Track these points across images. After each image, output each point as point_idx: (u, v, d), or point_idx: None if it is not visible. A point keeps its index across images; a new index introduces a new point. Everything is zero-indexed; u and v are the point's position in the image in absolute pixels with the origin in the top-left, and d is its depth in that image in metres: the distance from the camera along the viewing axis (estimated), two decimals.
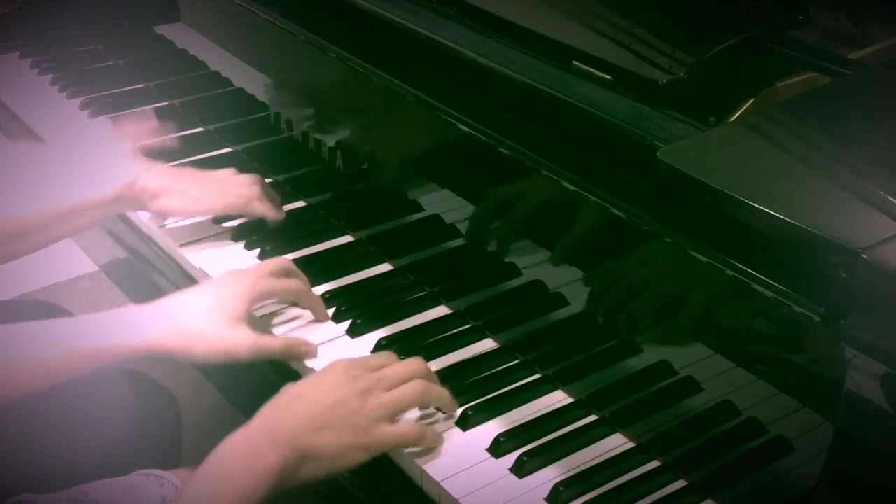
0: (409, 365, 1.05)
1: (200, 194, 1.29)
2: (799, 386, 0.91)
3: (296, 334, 1.17)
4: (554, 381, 1.10)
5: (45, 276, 2.47)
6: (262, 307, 1.19)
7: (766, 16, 1.07)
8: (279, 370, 1.16)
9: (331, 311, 1.20)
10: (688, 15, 1.09)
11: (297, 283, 1.18)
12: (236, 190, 1.32)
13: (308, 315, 1.20)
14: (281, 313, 1.20)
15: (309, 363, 1.13)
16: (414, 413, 1.05)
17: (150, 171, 1.28)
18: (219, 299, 1.11)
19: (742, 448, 0.97)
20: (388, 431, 0.99)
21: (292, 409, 0.97)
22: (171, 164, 1.47)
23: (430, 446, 1.02)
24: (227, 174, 1.34)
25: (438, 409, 1.06)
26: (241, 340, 1.09)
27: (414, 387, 1.02)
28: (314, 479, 0.96)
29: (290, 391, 1.00)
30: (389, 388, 1.01)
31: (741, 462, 0.97)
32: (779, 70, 1.03)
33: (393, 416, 1.00)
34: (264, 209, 1.32)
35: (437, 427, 1.04)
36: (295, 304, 1.20)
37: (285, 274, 1.18)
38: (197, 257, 1.30)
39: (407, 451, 1.02)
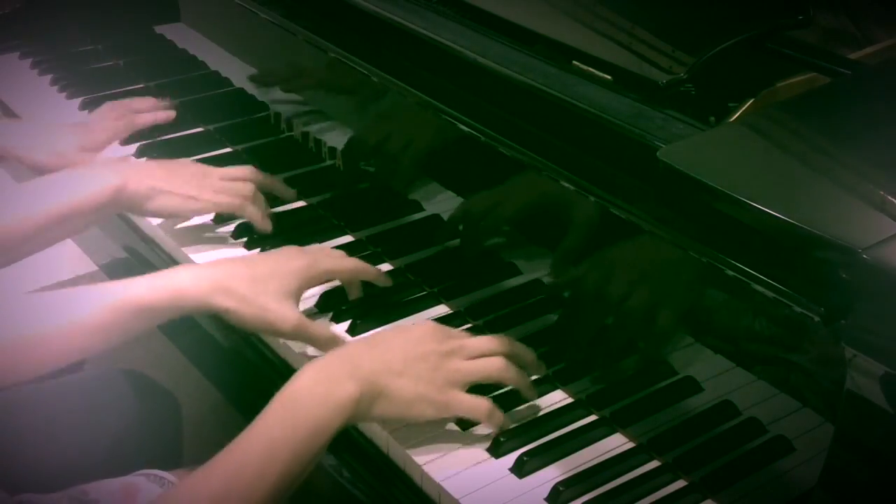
0: (495, 341, 1.06)
1: (193, 193, 1.28)
2: (799, 386, 0.91)
3: None
4: (554, 381, 1.10)
5: (45, 276, 2.46)
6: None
7: (766, 16, 1.07)
8: (281, 372, 1.16)
9: (331, 311, 1.20)
10: (688, 15, 1.09)
11: (350, 262, 1.18)
12: (231, 188, 1.30)
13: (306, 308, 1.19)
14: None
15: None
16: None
17: (139, 173, 1.26)
18: (275, 270, 1.12)
19: (742, 448, 0.97)
20: (461, 398, 1.01)
21: (376, 350, 1.00)
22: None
23: (496, 425, 1.03)
24: (222, 170, 1.33)
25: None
26: (287, 315, 1.10)
27: (495, 363, 1.04)
28: (385, 418, 1.00)
29: (375, 337, 1.04)
30: (470, 358, 1.03)
31: (741, 462, 0.97)
32: (779, 70, 1.03)
33: (468, 384, 1.02)
34: (255, 215, 1.30)
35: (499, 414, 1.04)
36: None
37: (340, 257, 1.19)
38: (197, 257, 1.30)
39: (406, 447, 1.02)
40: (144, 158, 1.50)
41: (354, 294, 1.21)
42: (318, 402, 0.94)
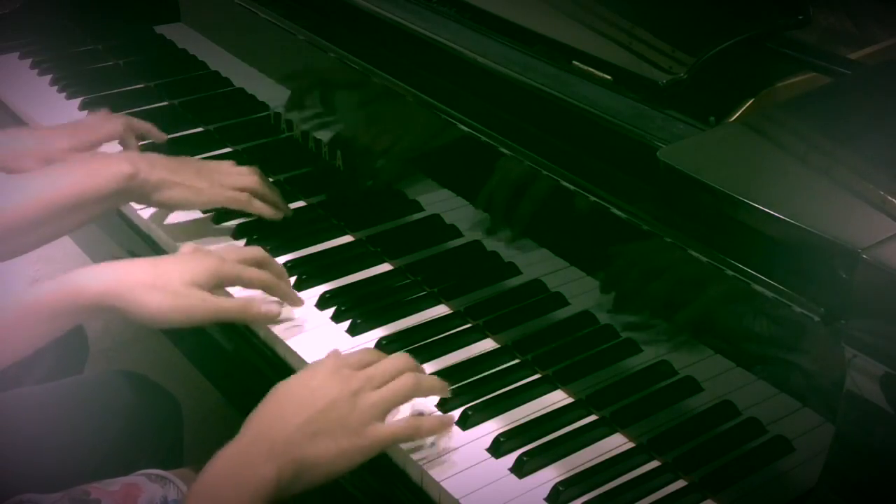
0: (396, 361, 1.03)
1: (202, 185, 1.28)
2: (799, 386, 0.91)
3: (296, 326, 1.17)
4: (554, 381, 1.10)
5: (45, 276, 2.47)
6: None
7: (766, 16, 1.07)
8: (277, 370, 1.16)
9: (331, 311, 1.20)
10: (688, 15, 1.09)
11: (265, 274, 1.16)
12: (238, 182, 1.30)
13: (306, 308, 1.20)
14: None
15: (309, 361, 1.13)
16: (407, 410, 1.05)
17: (151, 164, 1.26)
18: (182, 265, 1.10)
19: (742, 448, 0.97)
20: (383, 430, 0.98)
21: (284, 415, 0.96)
22: None
23: (429, 436, 1.01)
24: (228, 165, 1.33)
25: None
26: (197, 300, 1.08)
27: (405, 381, 1.01)
28: (312, 486, 0.95)
29: (277, 395, 0.98)
30: (379, 386, 1.00)
31: (741, 462, 0.97)
32: (779, 70, 1.03)
33: (385, 413, 0.99)
34: (264, 208, 1.31)
35: (429, 420, 1.03)
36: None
37: (258, 263, 1.17)
38: None
39: (406, 447, 1.02)
40: None
41: (294, 302, 1.19)
42: (237, 489, 0.91)
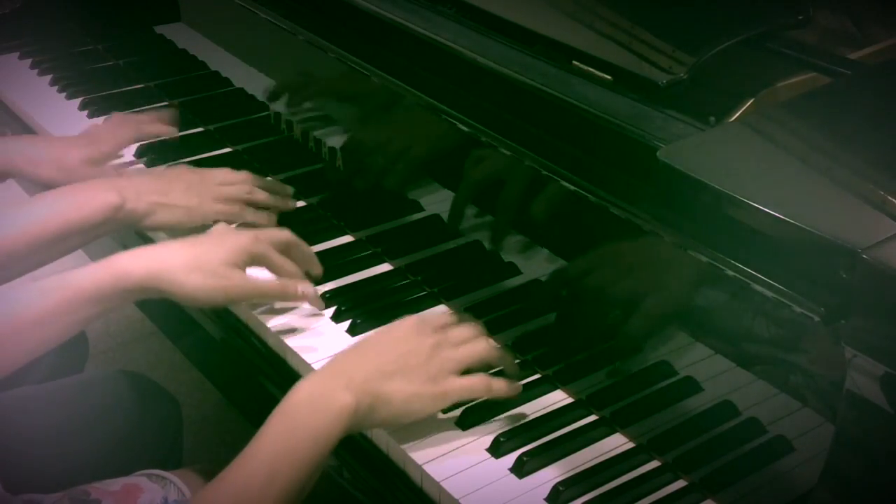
0: (473, 328, 1.08)
1: (192, 204, 1.28)
2: (799, 386, 0.91)
3: (296, 334, 1.17)
4: (554, 381, 1.10)
5: (44, 275, 2.47)
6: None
7: (766, 16, 1.07)
8: (281, 373, 1.16)
9: (331, 311, 1.20)
10: (688, 15, 1.09)
11: (290, 266, 1.18)
12: (230, 193, 1.30)
13: (306, 308, 1.20)
14: (281, 313, 1.20)
15: (309, 361, 1.13)
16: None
17: (138, 191, 1.25)
18: (217, 243, 1.13)
19: (742, 448, 0.97)
20: (457, 382, 1.02)
21: (366, 356, 1.01)
22: (169, 164, 1.47)
23: (499, 395, 1.04)
24: (221, 175, 1.33)
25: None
26: (238, 280, 1.11)
27: (482, 345, 1.06)
28: (385, 423, 1.01)
29: (363, 343, 1.05)
30: (456, 346, 1.04)
31: (741, 462, 0.97)
32: (779, 70, 1.03)
33: (460, 370, 1.03)
34: (258, 217, 1.31)
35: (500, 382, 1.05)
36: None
37: (286, 246, 1.19)
38: None
39: (405, 447, 1.02)
40: (143, 160, 1.50)
41: (317, 304, 1.20)
42: (316, 414, 0.96)
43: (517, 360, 1.10)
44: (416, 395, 1.00)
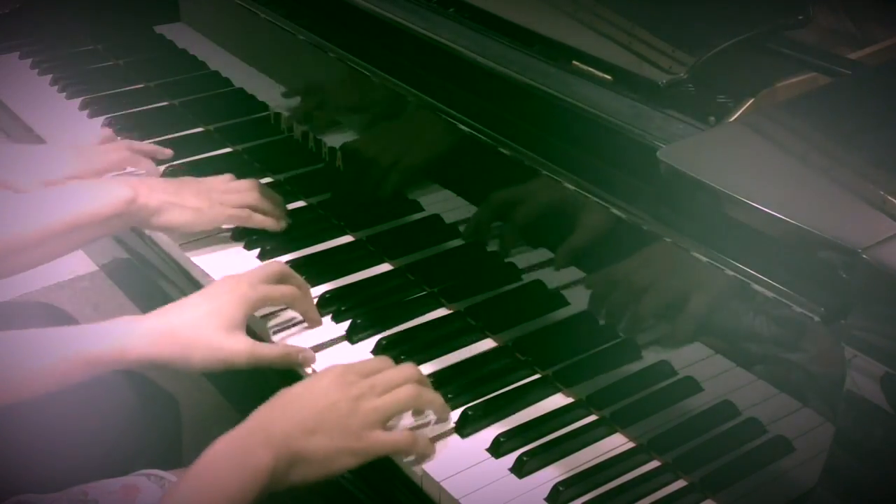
0: (402, 371, 1.05)
1: (202, 206, 1.28)
2: (799, 386, 0.91)
3: (296, 335, 1.17)
4: (554, 381, 1.10)
5: (45, 277, 2.47)
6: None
7: (766, 16, 1.07)
8: (279, 371, 1.16)
9: (331, 312, 1.20)
10: (688, 15, 1.09)
11: (290, 289, 1.17)
12: (238, 199, 1.31)
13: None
14: (279, 314, 1.20)
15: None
16: (408, 420, 1.05)
17: (150, 187, 1.26)
18: (215, 307, 1.10)
19: (742, 448, 0.97)
20: (381, 437, 0.99)
21: (285, 412, 0.98)
22: (170, 164, 1.48)
23: (422, 453, 1.01)
24: (225, 181, 1.34)
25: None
26: (239, 348, 1.09)
27: (406, 391, 1.02)
28: (305, 482, 0.96)
29: (283, 395, 1.00)
30: (382, 394, 1.01)
31: (741, 462, 0.97)
32: (779, 70, 1.03)
33: (385, 421, 1.00)
34: (265, 222, 1.32)
35: (430, 431, 1.04)
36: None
37: (281, 278, 1.17)
38: (197, 258, 1.30)
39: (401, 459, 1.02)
40: None
41: (314, 322, 1.19)
42: (231, 473, 0.92)
43: (522, 358, 1.09)
44: (338, 452, 0.96)
